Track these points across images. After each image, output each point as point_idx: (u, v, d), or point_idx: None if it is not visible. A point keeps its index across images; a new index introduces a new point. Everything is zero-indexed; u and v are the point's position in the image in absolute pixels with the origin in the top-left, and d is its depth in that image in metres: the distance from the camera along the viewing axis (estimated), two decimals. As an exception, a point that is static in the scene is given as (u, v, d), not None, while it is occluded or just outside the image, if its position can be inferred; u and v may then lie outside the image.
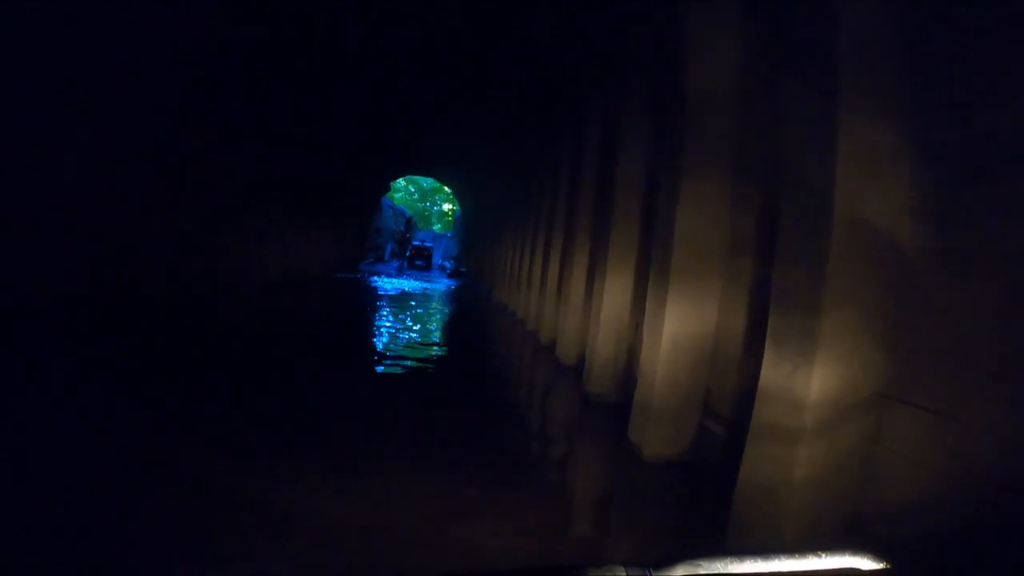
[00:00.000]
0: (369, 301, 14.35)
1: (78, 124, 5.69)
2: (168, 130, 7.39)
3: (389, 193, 29.58)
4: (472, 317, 13.36)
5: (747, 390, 2.99)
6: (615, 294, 5.21)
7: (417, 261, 27.96)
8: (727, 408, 3.47)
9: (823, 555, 0.84)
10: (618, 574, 0.75)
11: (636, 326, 4.83)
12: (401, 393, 5.53)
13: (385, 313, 12.15)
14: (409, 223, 32.84)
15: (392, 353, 7.51)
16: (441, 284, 21.73)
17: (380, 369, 6.57)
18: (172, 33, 6.52)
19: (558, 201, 8.47)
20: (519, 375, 7.32)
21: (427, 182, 38.71)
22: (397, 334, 9.17)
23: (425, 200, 44.17)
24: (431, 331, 10.12)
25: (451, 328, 11.21)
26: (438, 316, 12.87)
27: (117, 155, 6.54)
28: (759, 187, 3.31)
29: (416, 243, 30.37)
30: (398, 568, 2.22)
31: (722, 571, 0.79)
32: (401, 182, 36.69)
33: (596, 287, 5.68)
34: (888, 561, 0.84)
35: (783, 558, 0.83)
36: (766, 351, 2.42)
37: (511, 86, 9.43)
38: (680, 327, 3.57)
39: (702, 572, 0.78)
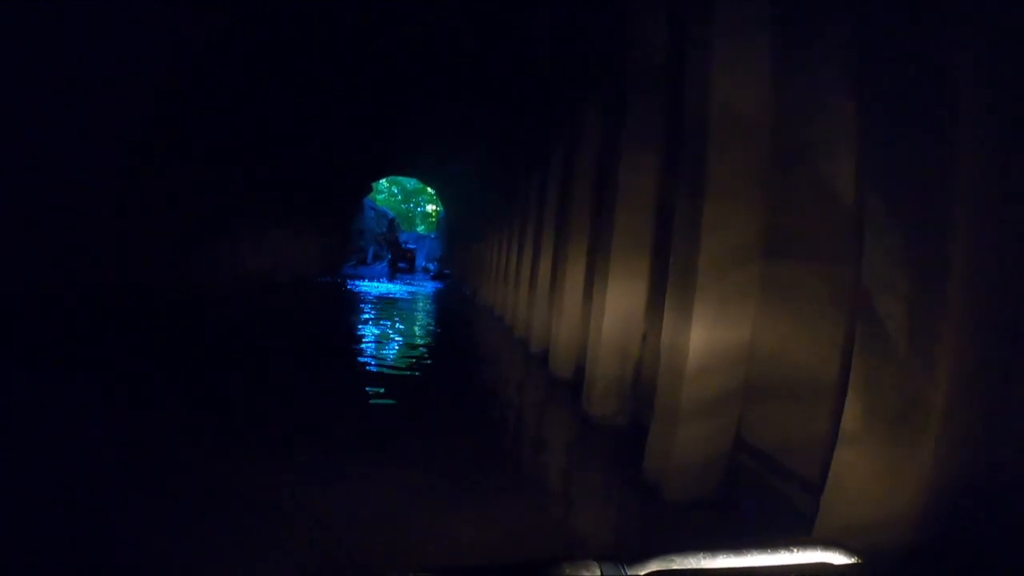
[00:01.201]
0: (348, 306, 14.15)
1: (77, 125, 5.60)
2: (147, 134, 7.24)
3: (371, 194, 29.33)
4: (456, 322, 13.22)
5: (793, 421, 2.78)
6: (620, 301, 4.67)
7: (400, 263, 27.73)
8: (764, 440, 2.99)
9: (795, 550, 0.83)
10: (592, 569, 0.74)
11: (645, 337, 4.56)
12: (372, 416, 5.02)
13: (365, 319, 11.94)
14: (392, 224, 32.63)
15: (368, 367, 7.11)
16: (424, 287, 21.61)
17: (352, 385, 6.01)
18: (170, 34, 6.44)
19: (548, 198, 8.13)
20: (508, 393, 6.70)
21: (410, 183, 38.50)
22: (376, 343, 8.95)
23: (408, 201, 43.90)
24: (412, 340, 9.93)
25: (433, 336, 11.00)
26: (420, 322, 12.73)
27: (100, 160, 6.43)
28: (801, 172, 2.84)
29: (400, 245, 30.23)
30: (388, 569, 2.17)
31: (695, 566, 0.79)
32: (384, 183, 36.43)
33: (596, 292, 5.09)
34: (859, 556, 0.84)
35: (756, 553, 0.82)
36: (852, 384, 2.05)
37: (499, 84, 9.31)
38: (710, 342, 3.09)
39: (675, 567, 0.77)
